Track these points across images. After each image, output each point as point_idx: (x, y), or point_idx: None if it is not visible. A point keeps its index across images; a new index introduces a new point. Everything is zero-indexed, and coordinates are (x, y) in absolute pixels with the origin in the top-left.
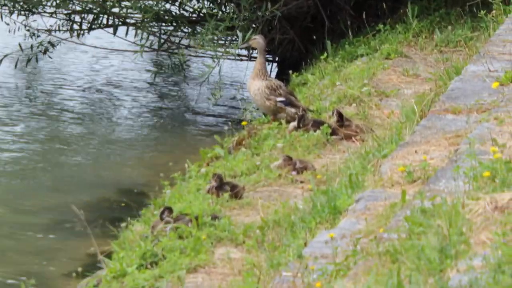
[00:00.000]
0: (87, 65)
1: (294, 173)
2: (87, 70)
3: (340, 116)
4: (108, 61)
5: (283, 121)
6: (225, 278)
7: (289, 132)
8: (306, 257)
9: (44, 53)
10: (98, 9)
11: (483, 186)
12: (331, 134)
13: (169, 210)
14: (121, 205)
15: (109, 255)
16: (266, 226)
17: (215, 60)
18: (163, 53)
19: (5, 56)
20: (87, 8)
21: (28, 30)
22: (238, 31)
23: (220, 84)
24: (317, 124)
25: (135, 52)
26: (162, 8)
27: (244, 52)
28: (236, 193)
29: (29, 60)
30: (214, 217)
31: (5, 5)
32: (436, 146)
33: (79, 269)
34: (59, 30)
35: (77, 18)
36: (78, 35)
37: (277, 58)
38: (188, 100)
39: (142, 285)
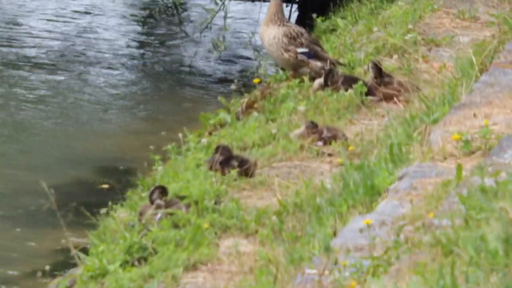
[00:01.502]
0: (53, 10)
1: (320, 143)
2: (54, 16)
3: (379, 70)
4: (82, 4)
5: (306, 78)
6: (233, 277)
7: (313, 91)
8: (336, 249)
9: None
10: None
11: None
12: (367, 94)
13: (162, 190)
14: (101, 186)
15: (85, 249)
16: (284, 211)
17: (219, 1)
18: None
19: None
20: None
21: None
22: None
23: (225, 33)
24: (349, 81)
25: None
26: None
27: None
28: (246, 169)
29: None
30: (219, 201)
31: None
32: (500, 108)
33: (47, 267)
34: None
35: None
36: None
37: None
38: (186, 53)
39: (127, 287)
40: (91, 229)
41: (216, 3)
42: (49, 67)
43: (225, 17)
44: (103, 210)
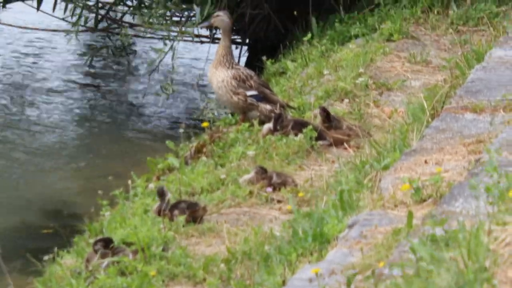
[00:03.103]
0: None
1: (269, 189)
2: (1, 54)
3: (328, 115)
4: (29, 43)
5: (255, 122)
6: None
7: (263, 136)
8: None
9: None
10: None
11: None
12: (317, 138)
13: (105, 241)
14: (46, 231)
15: None
16: (233, 258)
17: (168, 42)
18: (101, 33)
19: None
20: None
21: None
22: (195, 5)
23: (173, 74)
24: (299, 125)
25: (67, 32)
26: None
27: (205, 32)
28: (194, 215)
29: None
30: (166, 248)
31: None
32: (452, 155)
33: None
34: None
35: None
36: None
37: (247, 40)
38: (133, 94)
39: None
40: (36, 276)
41: (165, 44)
42: None
43: (173, 58)
44: (48, 256)
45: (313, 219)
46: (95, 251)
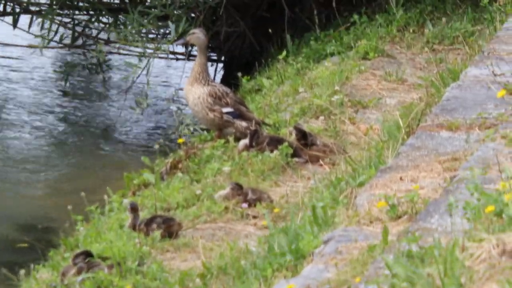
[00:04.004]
0: None
1: (244, 205)
2: None
3: (303, 133)
4: (3, 60)
5: (231, 139)
6: None
7: (238, 152)
8: None
9: None
10: None
11: (487, 224)
12: (293, 155)
13: (86, 255)
14: (20, 245)
15: None
16: (208, 273)
17: (143, 58)
18: (76, 50)
19: None
20: None
21: None
22: (170, 22)
23: (148, 90)
24: (275, 142)
25: (37, 47)
26: None
27: (181, 49)
28: (170, 230)
29: None
30: (142, 262)
31: None
32: (427, 172)
33: None
34: None
35: None
36: None
37: (223, 57)
38: (109, 110)
39: None
40: None
41: (141, 60)
42: None
43: (147, 74)
44: (23, 270)
45: (289, 234)
46: (75, 265)
